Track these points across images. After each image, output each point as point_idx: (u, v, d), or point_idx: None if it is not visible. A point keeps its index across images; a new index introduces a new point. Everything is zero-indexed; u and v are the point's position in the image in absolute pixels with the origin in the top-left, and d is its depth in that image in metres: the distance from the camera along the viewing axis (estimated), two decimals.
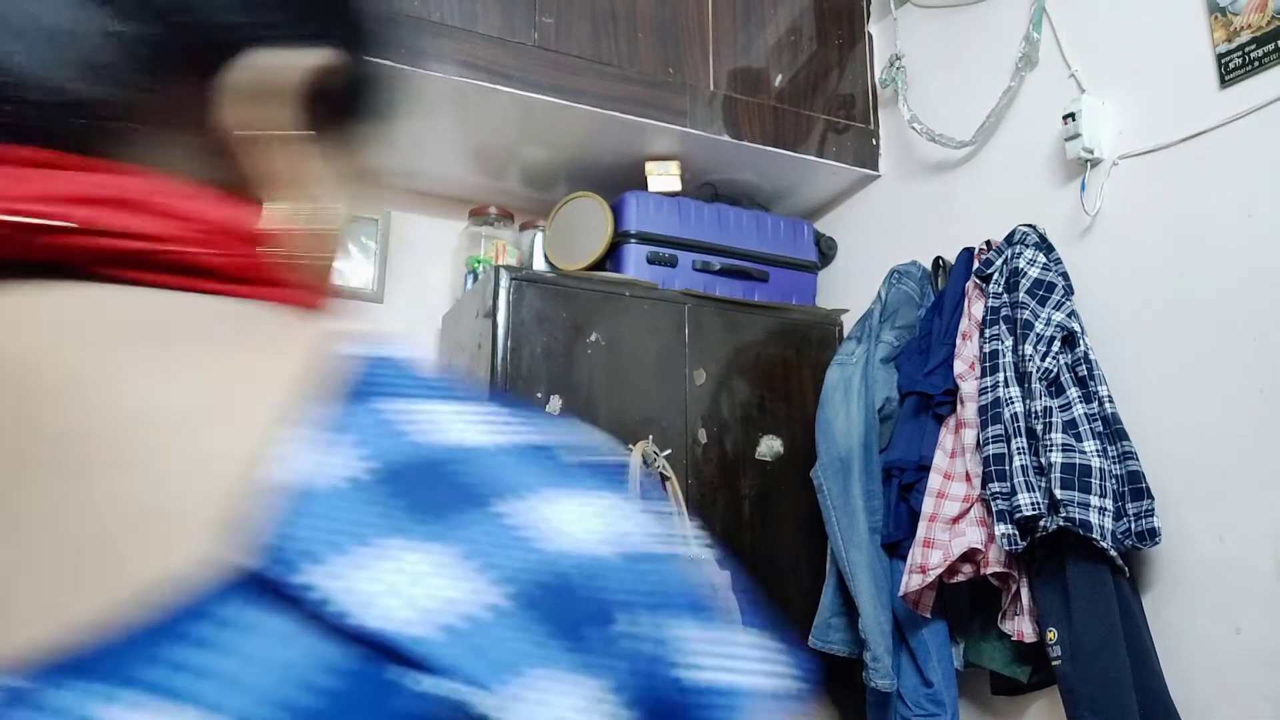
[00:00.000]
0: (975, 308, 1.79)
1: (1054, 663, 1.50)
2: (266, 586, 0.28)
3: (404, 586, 0.28)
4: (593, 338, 1.99)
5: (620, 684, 0.29)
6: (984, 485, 1.62)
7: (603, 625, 0.30)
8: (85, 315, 0.33)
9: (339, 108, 0.44)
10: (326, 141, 0.43)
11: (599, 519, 0.32)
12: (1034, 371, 1.59)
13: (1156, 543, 1.49)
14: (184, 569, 0.28)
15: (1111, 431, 1.55)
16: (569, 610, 0.30)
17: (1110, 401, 1.57)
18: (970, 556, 1.65)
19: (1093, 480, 1.48)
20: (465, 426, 0.34)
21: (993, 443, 1.61)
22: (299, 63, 0.39)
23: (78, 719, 0.27)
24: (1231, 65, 1.51)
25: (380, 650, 0.27)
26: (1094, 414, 1.57)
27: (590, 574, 0.31)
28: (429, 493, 0.31)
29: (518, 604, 0.29)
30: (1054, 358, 1.60)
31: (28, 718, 0.27)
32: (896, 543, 1.82)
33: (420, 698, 0.27)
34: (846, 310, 2.29)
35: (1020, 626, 1.60)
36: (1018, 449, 1.56)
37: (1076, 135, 1.71)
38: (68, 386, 0.31)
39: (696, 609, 0.33)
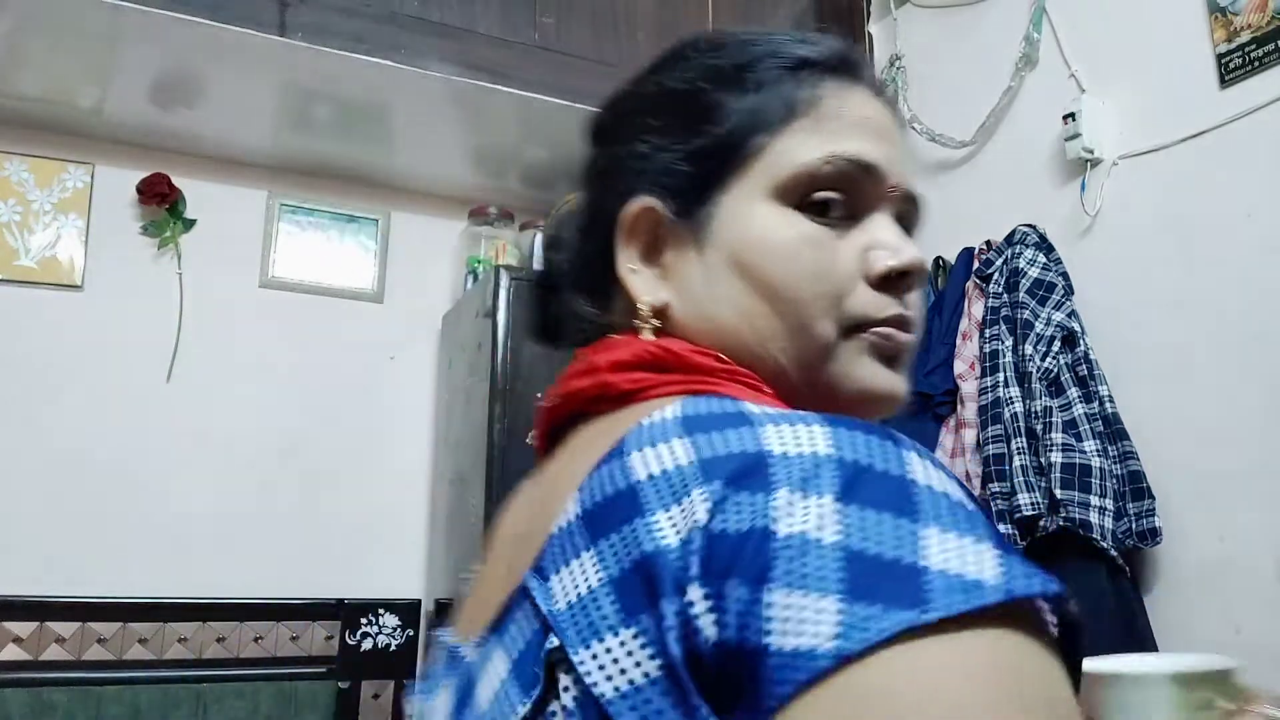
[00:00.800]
0: (975, 308, 1.79)
1: None
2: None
3: None
4: None
5: None
6: (984, 485, 1.62)
7: None
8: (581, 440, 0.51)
9: None
10: None
11: None
12: (1034, 371, 1.59)
13: (1157, 543, 1.49)
14: None
15: (1112, 431, 1.55)
16: None
17: (1110, 401, 1.57)
18: None
19: (1093, 480, 1.48)
20: (940, 478, 0.40)
21: (993, 443, 1.61)
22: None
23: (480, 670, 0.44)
24: (1231, 65, 1.51)
25: None
26: (1094, 414, 1.56)
27: None
28: (877, 490, 0.37)
29: None
30: (1054, 358, 1.60)
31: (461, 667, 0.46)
32: None
33: None
34: None
35: None
36: (1018, 449, 1.56)
37: (1077, 135, 1.71)
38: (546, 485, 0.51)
39: None
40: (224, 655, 1.98)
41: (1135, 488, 1.51)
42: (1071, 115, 1.73)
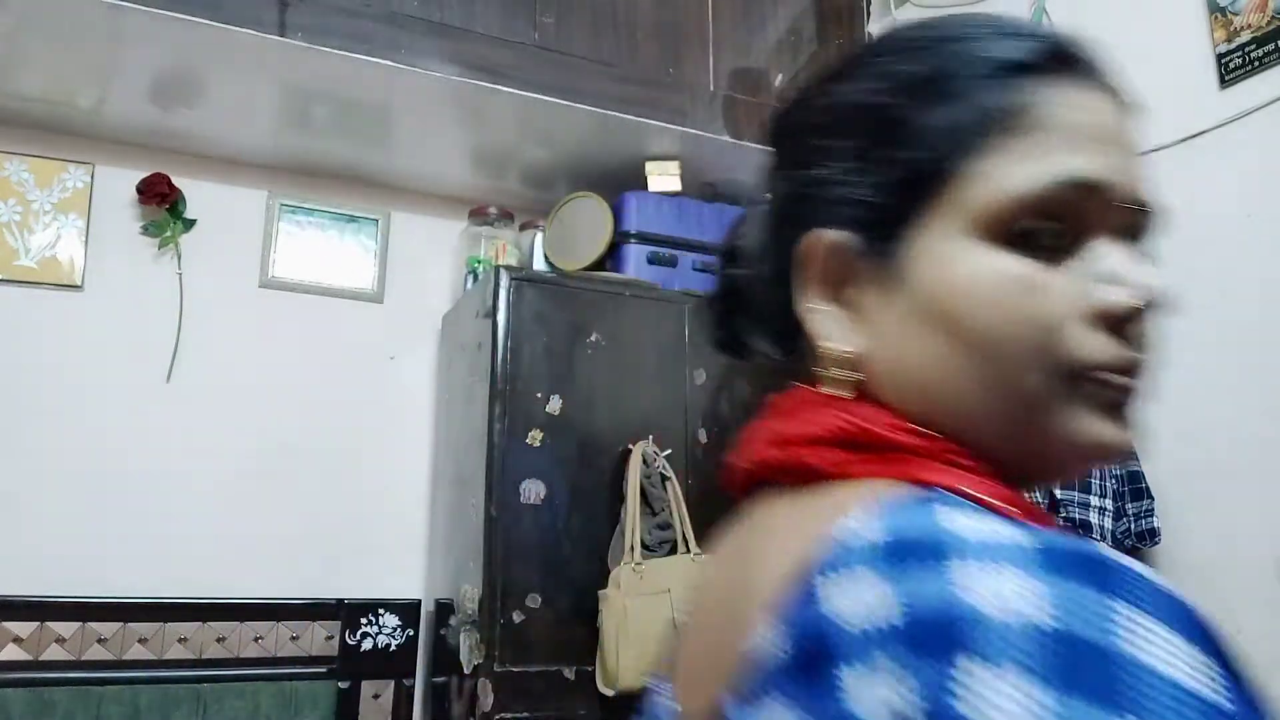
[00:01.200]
0: None
1: None
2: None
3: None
4: (593, 338, 1.99)
5: None
6: None
7: None
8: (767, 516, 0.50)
9: None
10: None
11: None
12: None
13: (1157, 543, 1.49)
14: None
15: None
16: None
17: None
18: None
19: (1092, 480, 1.48)
20: (1166, 654, 0.33)
21: None
22: None
23: None
24: (1231, 65, 1.51)
25: None
26: None
27: None
28: (1082, 671, 0.32)
29: None
30: None
31: None
32: None
33: None
34: None
35: None
36: None
37: None
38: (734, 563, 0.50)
39: None
40: (224, 655, 1.98)
41: (1134, 488, 1.51)
42: None
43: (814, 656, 0.37)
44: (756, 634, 0.40)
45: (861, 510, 0.40)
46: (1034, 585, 0.34)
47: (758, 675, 0.40)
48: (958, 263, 0.45)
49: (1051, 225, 0.45)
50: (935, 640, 0.34)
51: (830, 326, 0.50)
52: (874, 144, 0.48)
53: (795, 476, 0.48)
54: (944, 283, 0.46)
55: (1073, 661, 0.32)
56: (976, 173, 0.46)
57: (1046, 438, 0.45)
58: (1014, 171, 0.45)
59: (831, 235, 0.49)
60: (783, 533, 0.45)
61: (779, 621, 0.39)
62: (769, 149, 0.59)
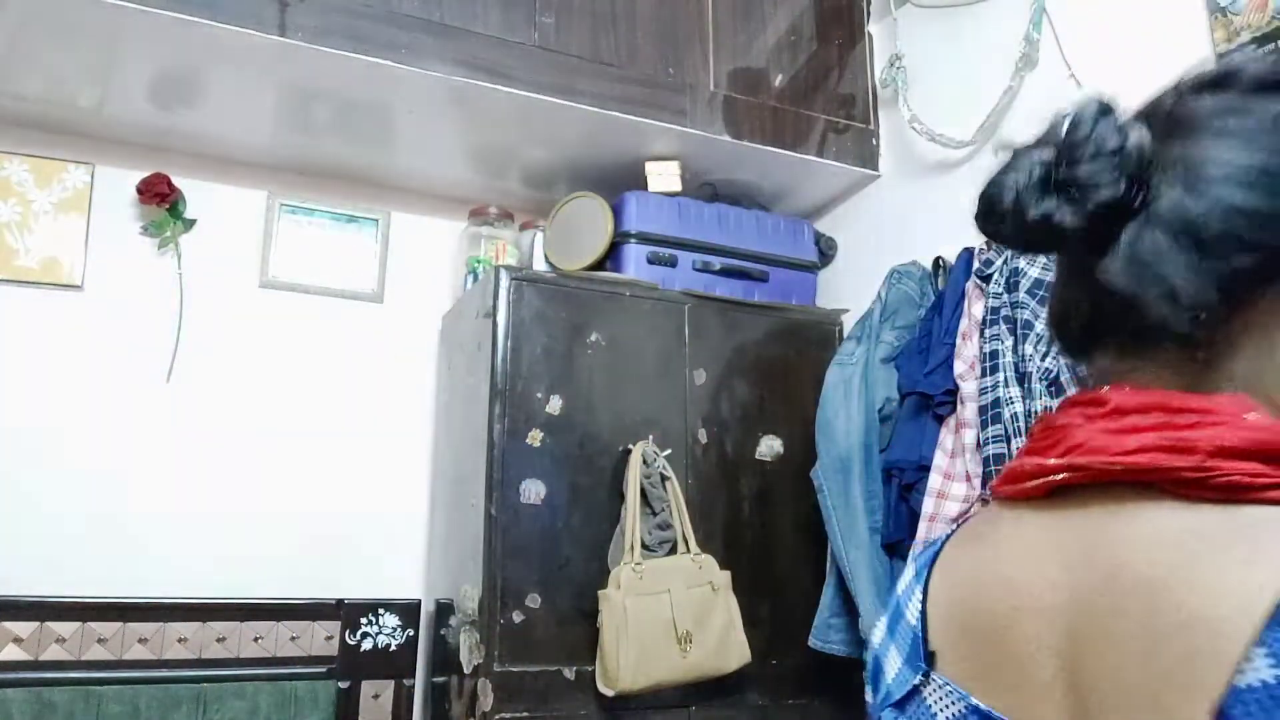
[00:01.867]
0: (975, 308, 1.79)
1: None
2: None
3: None
4: (593, 338, 1.99)
5: None
6: (984, 485, 1.62)
7: None
8: (1175, 527, 0.46)
9: None
10: None
11: None
12: (1034, 371, 1.59)
13: None
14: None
15: None
16: None
17: None
18: None
19: None
20: None
21: (993, 443, 1.61)
22: None
23: None
24: None
25: None
26: None
27: None
28: None
29: None
30: (1054, 358, 1.60)
31: None
32: (897, 543, 1.82)
33: None
34: (846, 310, 2.29)
35: None
36: (1018, 449, 1.56)
37: None
38: (1167, 584, 0.45)
39: None
40: (224, 655, 1.98)
41: None
42: None
43: None
44: (1247, 666, 0.41)
45: None
46: None
47: (1258, 701, 0.40)
48: None
49: None
50: None
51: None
52: None
53: (1195, 487, 0.47)
54: None
55: None
56: None
57: None
58: None
59: None
60: (1239, 560, 0.44)
61: (1271, 654, 0.40)
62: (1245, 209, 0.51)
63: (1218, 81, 0.55)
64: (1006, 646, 0.51)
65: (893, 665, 0.58)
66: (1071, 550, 0.50)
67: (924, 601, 0.58)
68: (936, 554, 0.60)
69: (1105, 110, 0.59)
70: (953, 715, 0.52)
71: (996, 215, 0.55)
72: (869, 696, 0.64)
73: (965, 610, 0.55)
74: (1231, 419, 0.47)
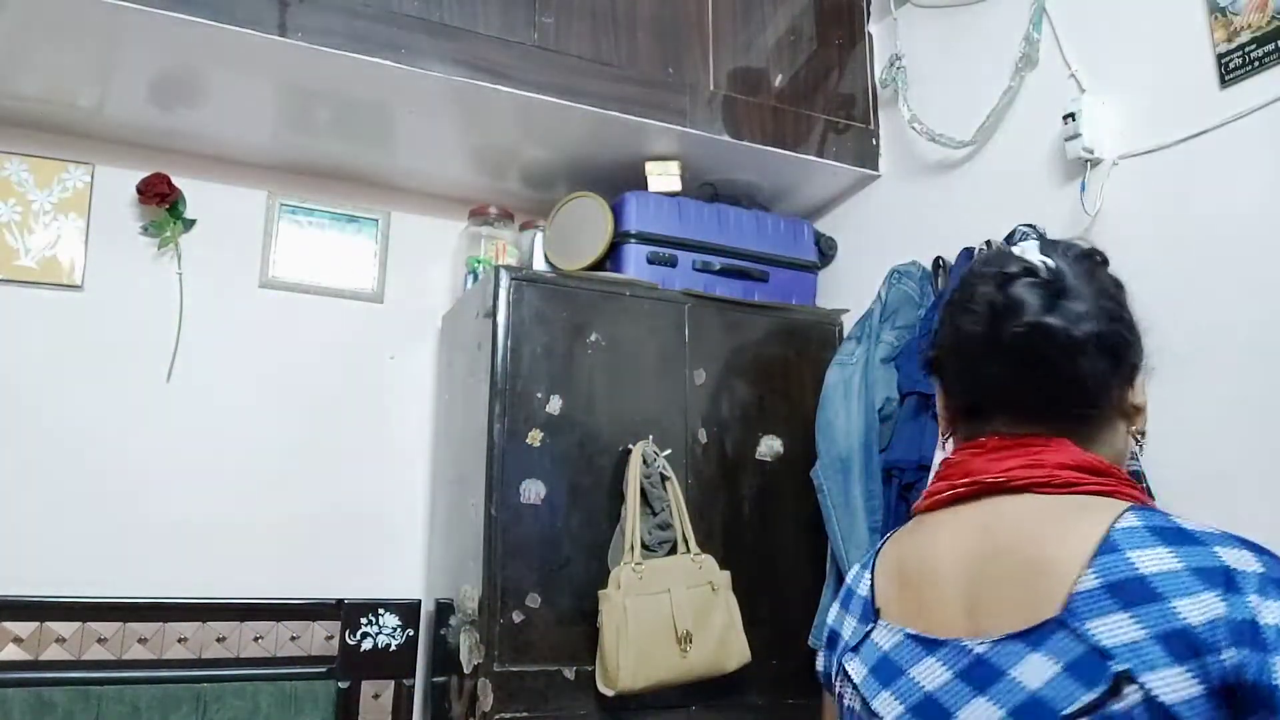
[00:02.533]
0: None
1: None
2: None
3: None
4: (593, 338, 1.99)
5: None
6: None
7: None
8: (1035, 508, 0.76)
9: None
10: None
11: None
12: None
13: None
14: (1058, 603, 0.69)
15: None
16: None
17: None
18: None
19: None
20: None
21: None
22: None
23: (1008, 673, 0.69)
24: (1231, 65, 1.51)
25: None
26: None
27: None
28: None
29: None
30: None
31: (985, 672, 0.70)
32: None
33: None
34: (846, 310, 2.29)
35: None
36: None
37: (1076, 135, 1.71)
38: (1031, 539, 0.74)
39: None
40: (224, 655, 1.98)
41: None
42: (1071, 115, 1.73)
43: (1139, 592, 0.66)
44: (1079, 581, 0.69)
45: (1131, 512, 0.73)
46: (1254, 556, 0.68)
47: (1088, 601, 0.68)
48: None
49: None
50: (1230, 584, 0.65)
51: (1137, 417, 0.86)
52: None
53: (1042, 486, 0.77)
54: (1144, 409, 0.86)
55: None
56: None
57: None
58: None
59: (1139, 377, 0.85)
60: (1049, 519, 0.75)
61: (1099, 572, 0.68)
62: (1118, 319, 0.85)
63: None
64: (928, 593, 0.78)
65: (848, 627, 0.86)
66: (969, 531, 0.79)
67: (871, 579, 0.86)
68: (878, 552, 0.89)
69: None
70: (894, 643, 0.78)
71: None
72: (819, 665, 0.94)
73: (901, 576, 0.82)
74: (1066, 449, 0.78)
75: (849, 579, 0.89)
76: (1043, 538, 0.73)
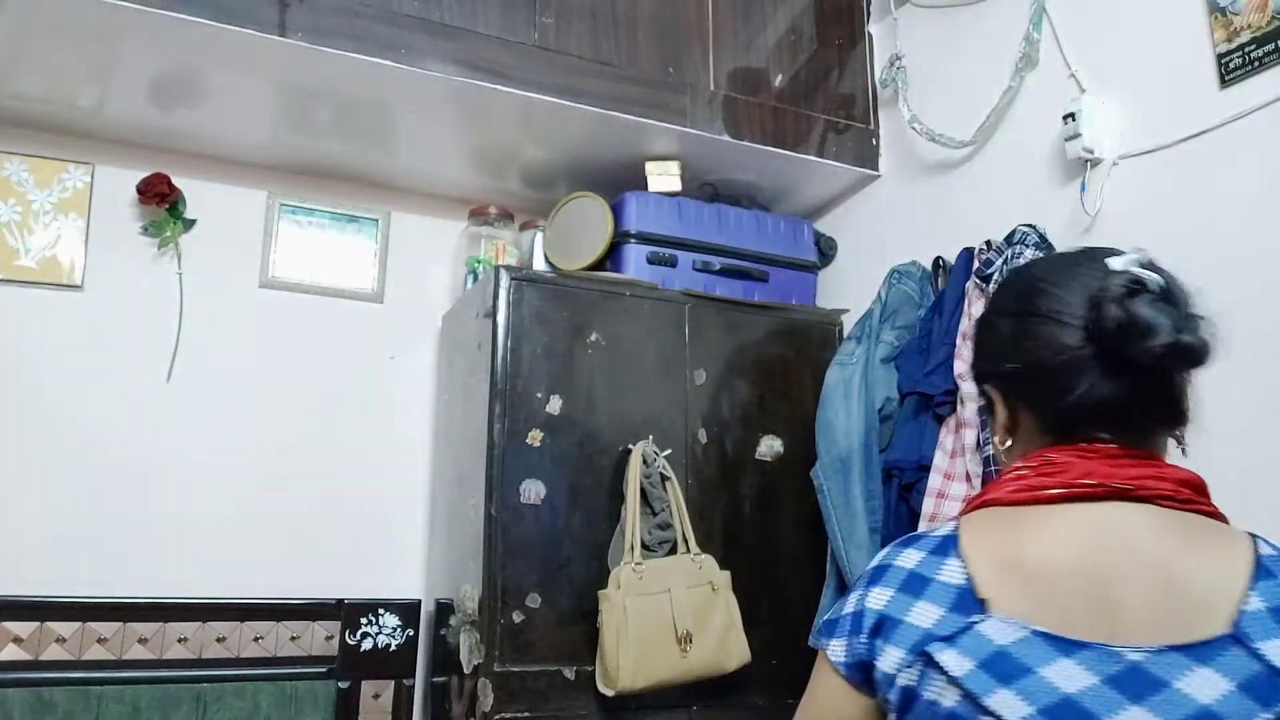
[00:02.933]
0: (975, 308, 1.79)
1: None
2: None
3: None
4: (593, 338, 1.99)
5: None
6: (984, 485, 1.62)
7: None
8: (1164, 522, 0.77)
9: None
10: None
11: None
12: None
13: None
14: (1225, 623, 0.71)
15: None
16: None
17: None
18: None
19: None
20: None
21: (993, 443, 1.61)
22: None
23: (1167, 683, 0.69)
24: (1231, 65, 1.51)
25: None
26: None
27: None
28: None
29: None
30: None
31: (1142, 680, 0.68)
32: None
33: None
34: (846, 310, 2.29)
35: None
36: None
37: (1077, 135, 1.71)
38: (1175, 554, 0.75)
39: None
40: (224, 655, 1.98)
41: None
42: (1071, 115, 1.73)
43: None
44: (1248, 600, 0.71)
45: (1260, 540, 0.77)
46: None
47: (1257, 621, 0.70)
48: None
49: None
50: None
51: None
52: None
53: (1168, 501, 0.78)
54: None
55: None
56: None
57: None
58: None
59: None
60: (1216, 544, 0.77)
61: (1262, 597, 0.71)
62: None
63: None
64: (1056, 590, 0.74)
65: (927, 615, 0.77)
66: (1092, 533, 0.76)
67: (965, 567, 0.78)
68: (949, 538, 0.81)
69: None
70: (1017, 638, 0.73)
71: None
72: (839, 654, 0.83)
73: (1018, 568, 0.76)
74: (1176, 466, 0.81)
75: (908, 563, 0.80)
76: (1187, 554, 0.74)
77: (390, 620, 2.10)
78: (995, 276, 1.74)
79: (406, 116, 2.06)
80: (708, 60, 2.18)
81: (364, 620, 2.08)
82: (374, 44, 1.82)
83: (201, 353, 2.18)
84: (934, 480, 1.74)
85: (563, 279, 2.04)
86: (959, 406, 1.75)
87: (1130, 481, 0.77)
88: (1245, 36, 1.49)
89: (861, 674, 0.81)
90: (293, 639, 2.04)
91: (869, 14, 2.41)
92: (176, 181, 2.17)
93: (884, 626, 0.79)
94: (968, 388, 1.73)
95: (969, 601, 0.75)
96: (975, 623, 0.74)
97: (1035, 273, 0.88)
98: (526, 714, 1.77)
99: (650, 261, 2.16)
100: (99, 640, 1.90)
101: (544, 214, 2.30)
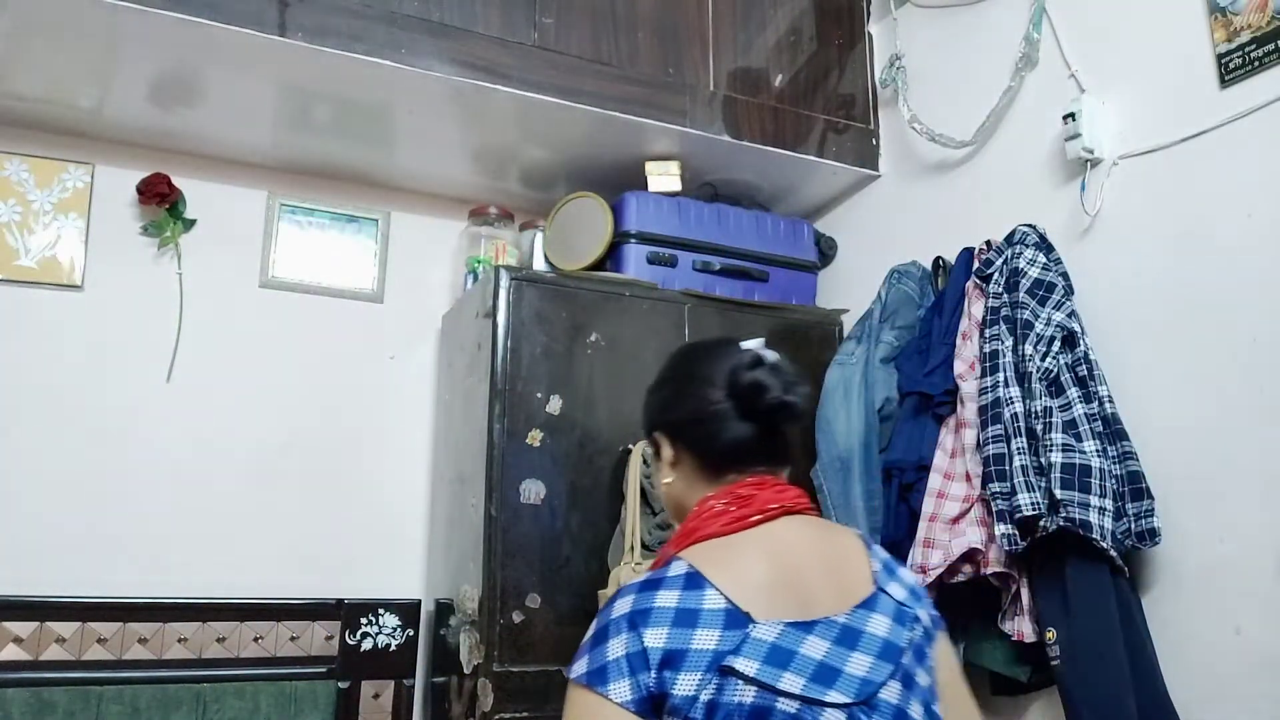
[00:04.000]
0: (975, 308, 1.79)
1: (1053, 663, 1.50)
2: None
3: None
4: (593, 338, 1.99)
5: None
6: (984, 485, 1.62)
7: None
8: (818, 524, 1.10)
9: None
10: None
11: None
12: (1034, 371, 1.59)
13: (1156, 543, 1.49)
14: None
15: (1111, 431, 1.55)
16: None
17: (1110, 401, 1.57)
18: (970, 556, 1.64)
19: (1093, 480, 1.48)
20: None
21: (993, 443, 1.61)
22: None
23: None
24: (1231, 65, 1.51)
25: None
26: (1094, 414, 1.56)
27: None
28: None
29: None
30: (1054, 358, 1.60)
31: (851, 633, 0.97)
32: (896, 543, 1.82)
33: None
34: (846, 310, 2.29)
35: (1020, 627, 1.60)
36: (1018, 449, 1.56)
37: (1076, 135, 1.71)
38: (838, 545, 1.08)
39: None
40: (224, 655, 1.98)
41: (1134, 488, 1.51)
42: (1071, 115, 1.73)
43: (908, 579, 1.07)
44: (872, 564, 1.04)
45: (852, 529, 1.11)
46: None
47: (884, 574, 1.03)
48: None
49: None
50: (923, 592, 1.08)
51: None
52: None
53: (811, 511, 1.07)
54: None
55: None
56: None
57: None
58: None
59: None
60: (841, 534, 1.10)
61: (880, 561, 1.05)
62: None
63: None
64: (782, 591, 0.96)
65: (708, 638, 0.91)
66: (780, 544, 1.01)
67: (721, 594, 0.94)
68: (693, 574, 0.96)
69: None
70: (778, 634, 0.92)
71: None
72: (622, 686, 0.90)
73: (755, 583, 0.96)
74: (798, 488, 1.09)
75: (669, 602, 0.94)
76: (830, 544, 1.05)
77: (390, 620, 2.10)
78: (995, 276, 1.74)
79: (406, 116, 2.06)
80: (708, 60, 2.18)
81: (364, 620, 2.08)
82: (374, 44, 1.82)
83: (201, 353, 2.18)
84: (934, 480, 1.74)
85: (563, 279, 2.04)
86: (959, 406, 1.75)
87: (790, 501, 1.05)
88: (1245, 36, 1.49)
89: (650, 706, 0.90)
90: (293, 639, 2.04)
91: (869, 14, 2.41)
92: (176, 181, 2.17)
93: (672, 659, 0.90)
94: (967, 388, 1.73)
95: (736, 617, 0.92)
96: (749, 632, 0.92)
97: (691, 354, 1.20)
98: (526, 714, 1.77)
99: (650, 261, 2.16)
100: (99, 640, 1.90)
101: (544, 214, 2.30)
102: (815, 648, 0.93)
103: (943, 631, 1.06)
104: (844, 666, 0.92)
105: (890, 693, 0.93)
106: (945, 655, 1.05)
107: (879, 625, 0.97)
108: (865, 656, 0.94)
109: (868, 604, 0.98)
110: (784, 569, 0.99)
